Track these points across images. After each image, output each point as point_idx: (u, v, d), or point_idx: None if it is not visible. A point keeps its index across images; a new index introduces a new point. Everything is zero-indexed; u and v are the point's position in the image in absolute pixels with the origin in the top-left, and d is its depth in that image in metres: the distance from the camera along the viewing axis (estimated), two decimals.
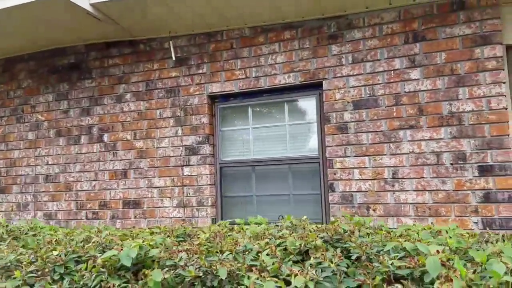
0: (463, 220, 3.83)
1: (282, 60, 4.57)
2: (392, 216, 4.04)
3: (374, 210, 4.10)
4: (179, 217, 4.82)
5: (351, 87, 4.27)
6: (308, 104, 4.60)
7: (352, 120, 4.24)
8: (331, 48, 4.39)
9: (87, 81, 5.42)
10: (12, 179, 5.67)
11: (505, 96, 3.81)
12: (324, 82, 4.38)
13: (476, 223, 3.80)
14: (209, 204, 4.71)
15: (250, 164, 4.76)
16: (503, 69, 3.84)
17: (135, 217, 5.00)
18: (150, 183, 4.98)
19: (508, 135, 3.77)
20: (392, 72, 4.15)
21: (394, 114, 4.11)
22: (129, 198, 5.05)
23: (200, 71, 4.90)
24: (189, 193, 4.80)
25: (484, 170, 3.80)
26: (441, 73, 3.99)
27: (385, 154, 4.11)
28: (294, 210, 4.54)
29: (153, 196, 4.96)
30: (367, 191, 4.14)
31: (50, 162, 5.49)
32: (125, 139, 5.15)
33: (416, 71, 4.08)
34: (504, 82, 3.82)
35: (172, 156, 4.91)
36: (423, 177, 3.97)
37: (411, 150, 4.03)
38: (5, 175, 5.70)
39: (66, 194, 5.37)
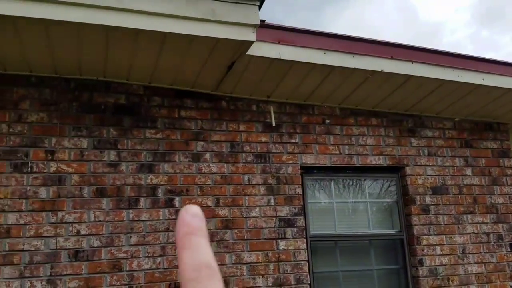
0: (504, 285, 5.15)
1: (371, 142, 5.04)
2: (464, 285, 4.99)
3: (452, 281, 4.95)
4: None
5: (428, 175, 5.14)
6: (390, 185, 5.16)
7: (432, 203, 5.08)
8: (411, 140, 5.19)
9: (149, 131, 4.32)
10: (2, 258, 3.73)
11: None
12: (407, 167, 5.09)
13: (511, 286, 5.18)
14: (308, 282, 4.49)
15: (335, 238, 4.84)
16: None
17: None
18: (238, 258, 4.33)
19: None
20: (455, 167, 5.28)
21: (459, 201, 5.19)
22: None
23: (293, 140, 4.77)
24: (287, 270, 4.45)
25: None
26: (483, 173, 5.38)
27: (456, 234, 5.09)
28: (378, 285, 4.88)
29: (242, 274, 4.31)
30: (446, 265, 4.97)
31: (83, 232, 3.96)
32: (205, 205, 4.33)
33: (469, 169, 5.33)
34: None
35: (265, 228, 4.47)
36: (480, 252, 5.14)
37: (472, 231, 5.16)
38: None
39: (112, 276, 3.96)
